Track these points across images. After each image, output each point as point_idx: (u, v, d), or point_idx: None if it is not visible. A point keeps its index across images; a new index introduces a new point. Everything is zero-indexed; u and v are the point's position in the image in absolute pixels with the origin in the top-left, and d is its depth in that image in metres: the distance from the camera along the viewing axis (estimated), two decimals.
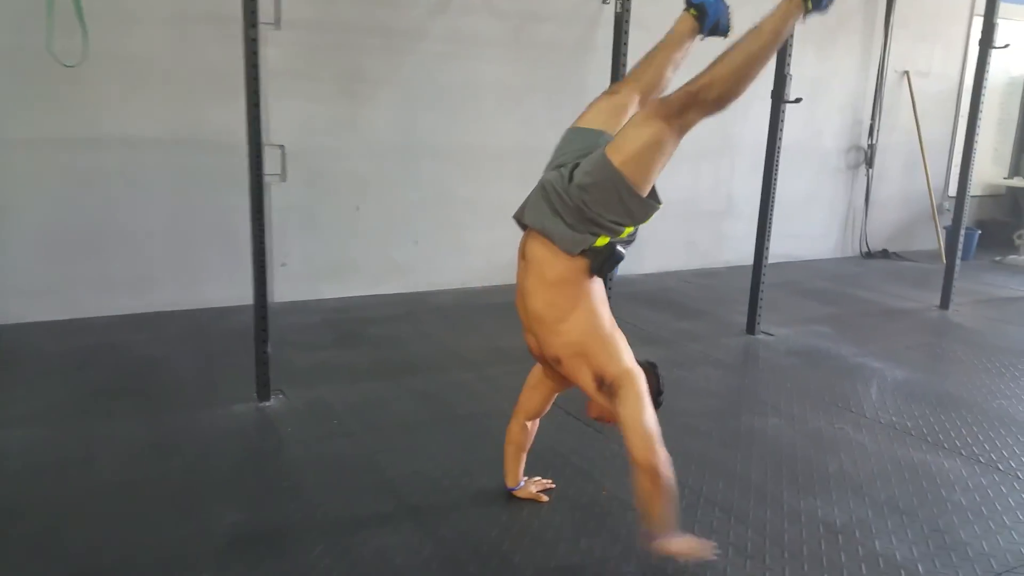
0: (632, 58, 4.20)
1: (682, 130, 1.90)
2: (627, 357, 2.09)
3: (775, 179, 4.41)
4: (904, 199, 7.24)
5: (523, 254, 2.15)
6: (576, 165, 2.02)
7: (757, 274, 4.51)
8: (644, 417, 1.97)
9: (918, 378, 3.92)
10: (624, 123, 2.02)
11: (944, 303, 5.28)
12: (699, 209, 6.26)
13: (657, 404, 2.11)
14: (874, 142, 6.85)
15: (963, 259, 7.01)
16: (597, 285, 2.13)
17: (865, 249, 7.06)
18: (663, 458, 1.94)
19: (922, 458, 2.99)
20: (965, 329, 4.90)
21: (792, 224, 6.62)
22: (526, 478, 2.59)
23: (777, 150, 4.38)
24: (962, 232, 5.21)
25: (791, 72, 4.20)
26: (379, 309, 4.89)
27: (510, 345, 4.23)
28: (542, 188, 2.09)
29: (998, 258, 7.17)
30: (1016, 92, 7.87)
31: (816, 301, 5.44)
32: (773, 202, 4.45)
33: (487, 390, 3.57)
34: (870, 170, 6.90)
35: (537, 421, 2.52)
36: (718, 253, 6.38)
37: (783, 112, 4.32)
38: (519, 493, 2.55)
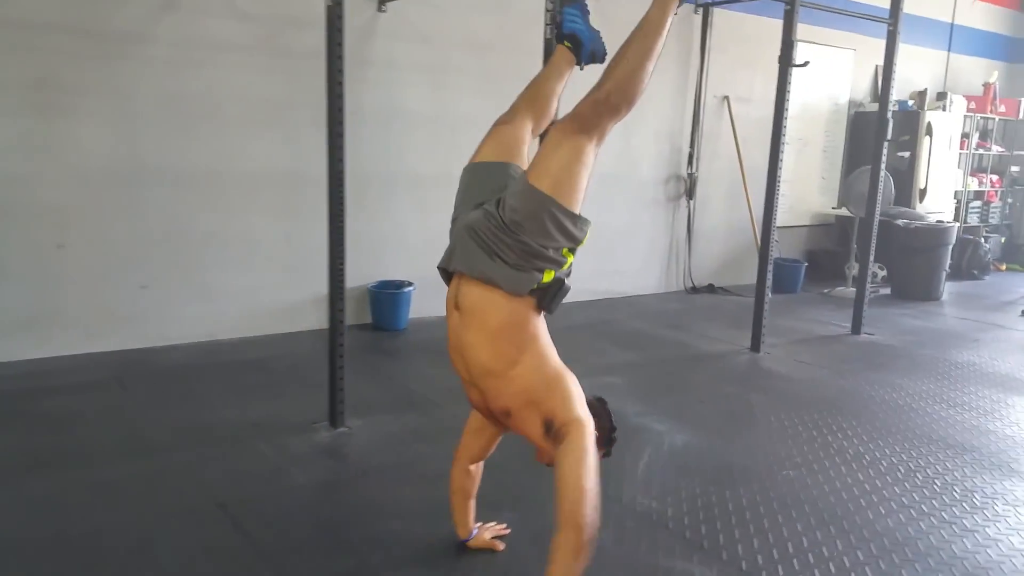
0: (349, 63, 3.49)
1: (600, 138, 1.90)
2: (579, 403, 1.97)
3: None
4: (729, 230, 6.84)
5: (456, 305, 2.01)
6: (500, 202, 1.92)
7: None
8: (585, 474, 1.86)
9: (700, 444, 3.31)
10: (538, 149, 1.96)
11: (755, 345, 4.79)
12: None
13: (611, 442, 2.09)
14: (695, 171, 6.43)
15: (790, 292, 6.74)
16: (542, 324, 2.03)
17: (690, 284, 6.61)
18: (593, 523, 1.83)
19: (670, 567, 2.34)
20: (773, 376, 4.40)
21: (611, 260, 6.09)
22: (479, 525, 2.41)
23: None
24: (770, 266, 4.75)
25: None
26: (80, 373, 3.90)
27: (222, 419, 3.38)
28: (471, 231, 1.95)
29: (826, 290, 6.90)
30: (841, 120, 7.74)
31: (621, 346, 4.84)
32: None
33: (136, 491, 2.69)
34: (691, 201, 6.47)
35: (481, 464, 2.37)
36: None
37: None
38: (473, 543, 2.37)
